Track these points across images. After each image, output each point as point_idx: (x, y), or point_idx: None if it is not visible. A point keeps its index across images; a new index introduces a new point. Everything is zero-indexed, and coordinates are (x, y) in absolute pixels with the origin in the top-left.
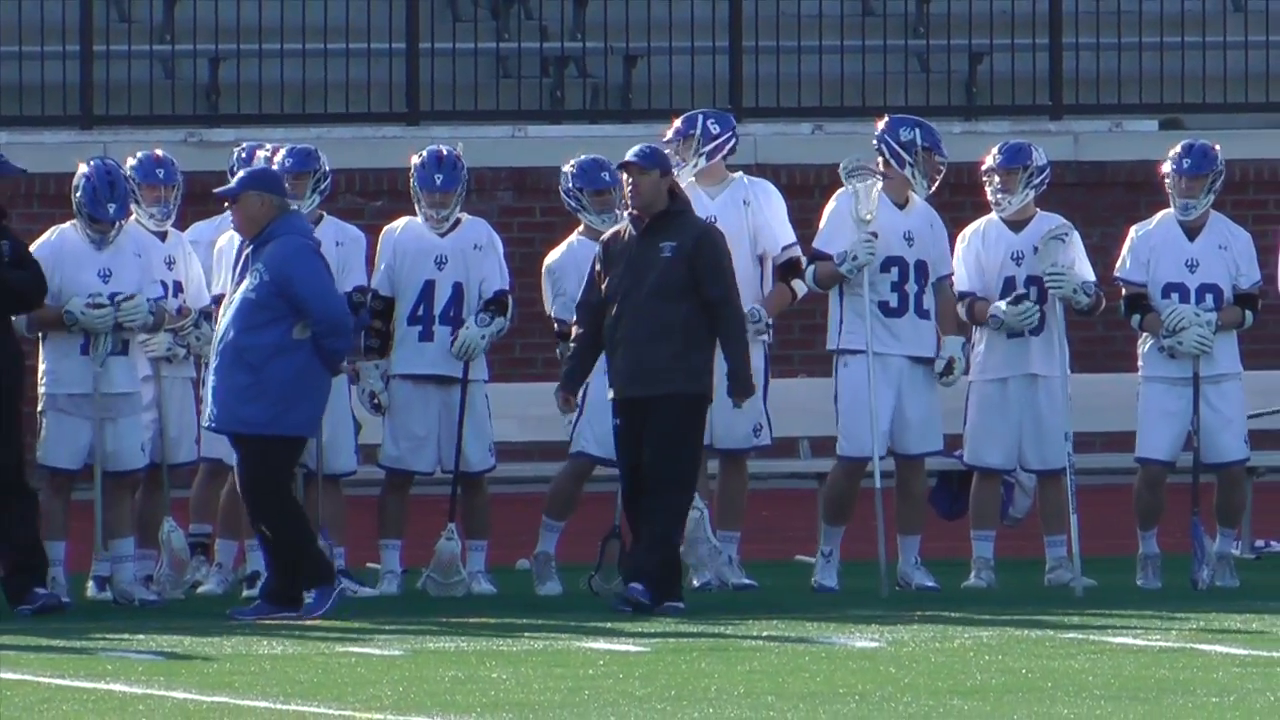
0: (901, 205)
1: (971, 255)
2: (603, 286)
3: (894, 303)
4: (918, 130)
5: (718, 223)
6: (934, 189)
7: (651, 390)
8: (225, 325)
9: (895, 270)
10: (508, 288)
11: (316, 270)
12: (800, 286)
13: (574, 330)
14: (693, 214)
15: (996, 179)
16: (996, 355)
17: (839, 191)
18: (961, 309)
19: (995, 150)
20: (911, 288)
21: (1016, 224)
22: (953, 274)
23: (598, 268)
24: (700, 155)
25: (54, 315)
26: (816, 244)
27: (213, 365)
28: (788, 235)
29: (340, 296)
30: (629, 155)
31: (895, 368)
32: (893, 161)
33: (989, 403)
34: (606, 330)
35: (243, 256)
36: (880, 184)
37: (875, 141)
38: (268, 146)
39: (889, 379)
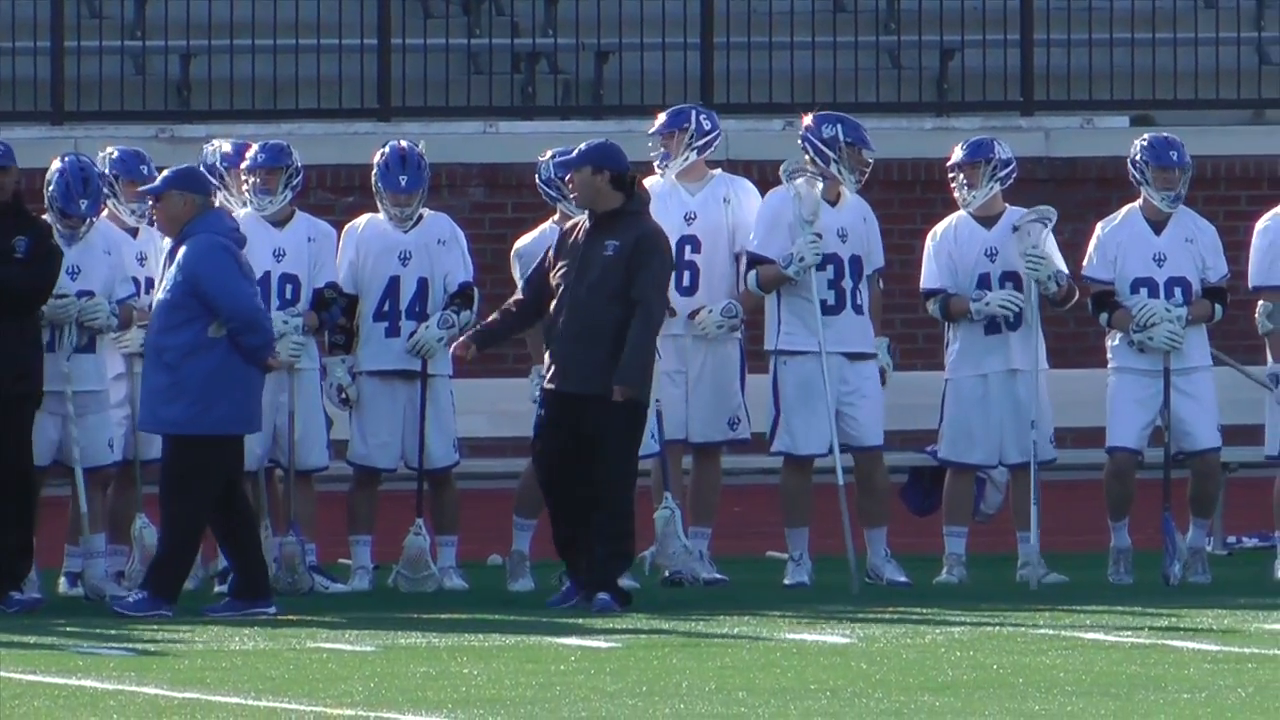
0: (833, 202)
1: (944, 253)
2: (552, 275)
3: (831, 300)
4: (839, 126)
5: (698, 219)
6: (863, 182)
7: (579, 388)
8: (150, 325)
9: (831, 268)
10: (472, 280)
11: (225, 267)
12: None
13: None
14: (645, 215)
15: (961, 175)
16: (975, 351)
17: (770, 193)
18: (933, 306)
19: (959, 147)
20: (847, 284)
21: (987, 220)
22: (883, 268)
23: (550, 254)
24: (692, 149)
25: None
26: (753, 248)
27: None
28: None
29: (252, 293)
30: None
31: (835, 365)
32: (817, 159)
33: (969, 399)
34: (547, 322)
35: (165, 256)
36: (821, 184)
37: (800, 140)
38: (215, 142)
39: (830, 377)
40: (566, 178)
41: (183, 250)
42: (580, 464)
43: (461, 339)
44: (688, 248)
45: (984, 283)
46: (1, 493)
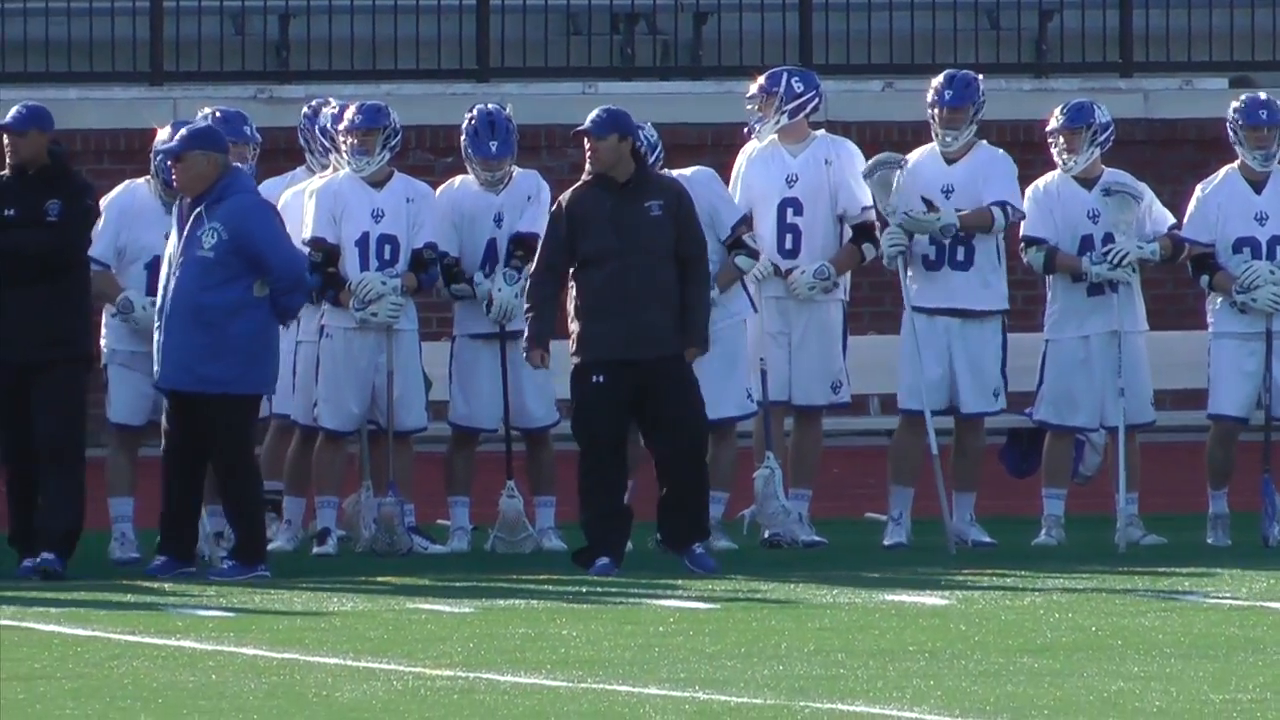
0: (953, 160)
1: (1046, 207)
2: (578, 245)
3: (932, 256)
4: (931, 93)
5: (800, 181)
6: (962, 137)
7: (651, 352)
8: (174, 284)
9: None
10: (537, 231)
11: (275, 226)
12: (870, 250)
13: (531, 295)
14: (662, 174)
15: (1061, 139)
16: (1078, 312)
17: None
18: (1035, 254)
19: (1058, 111)
20: (947, 239)
21: (1087, 182)
22: (1006, 202)
23: (563, 231)
24: (782, 113)
25: (112, 288)
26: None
27: (161, 323)
28: (866, 197)
29: (299, 251)
30: (586, 121)
31: (941, 324)
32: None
33: (1070, 361)
34: (592, 292)
35: (193, 215)
36: (900, 172)
37: None
38: (333, 103)
39: (935, 335)
40: (586, 144)
41: (223, 208)
42: (625, 430)
43: (538, 354)
44: (789, 210)
45: (1087, 244)
46: (48, 460)
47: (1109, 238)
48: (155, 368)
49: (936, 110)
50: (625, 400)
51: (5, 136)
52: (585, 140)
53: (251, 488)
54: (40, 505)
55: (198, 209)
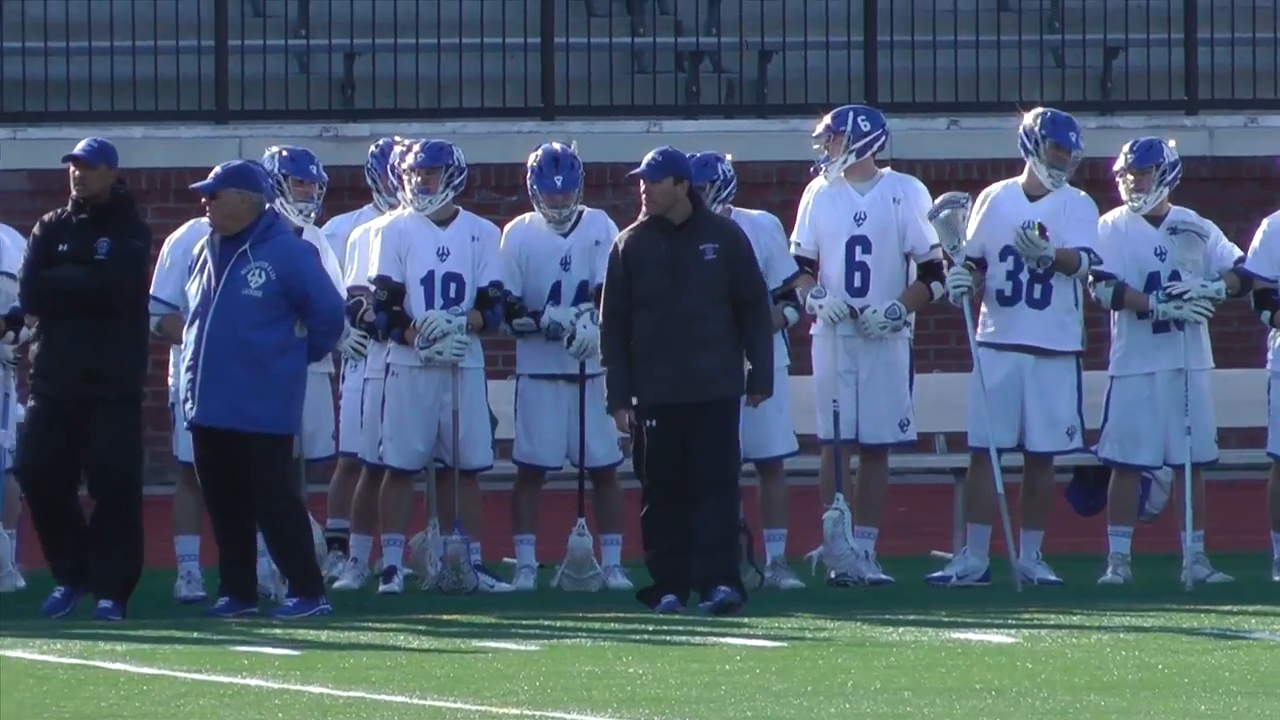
0: (1035, 196)
1: (1114, 245)
2: (634, 288)
3: (1008, 291)
4: (1040, 118)
5: (868, 219)
6: (1064, 178)
7: (701, 396)
8: (212, 321)
9: (1011, 259)
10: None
11: (320, 268)
12: (938, 288)
13: (604, 348)
14: (719, 215)
15: (1130, 179)
16: (1143, 350)
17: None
18: (1104, 289)
19: (1126, 150)
20: (1024, 277)
21: (1155, 220)
22: (1087, 248)
23: (621, 274)
24: (850, 152)
25: (180, 330)
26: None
27: (196, 361)
28: (934, 235)
29: (340, 294)
30: (641, 164)
31: (1014, 360)
32: (1021, 151)
33: (1135, 399)
34: (645, 335)
35: (236, 254)
36: (965, 212)
37: None
38: (403, 141)
39: (1007, 371)
40: (642, 187)
41: (269, 248)
42: (682, 472)
43: (623, 414)
44: (858, 248)
45: (1154, 281)
46: (102, 504)
47: (1175, 275)
48: (189, 406)
49: (1044, 145)
50: (680, 440)
51: (74, 169)
52: (640, 183)
53: (294, 524)
54: (96, 552)
55: (242, 248)
